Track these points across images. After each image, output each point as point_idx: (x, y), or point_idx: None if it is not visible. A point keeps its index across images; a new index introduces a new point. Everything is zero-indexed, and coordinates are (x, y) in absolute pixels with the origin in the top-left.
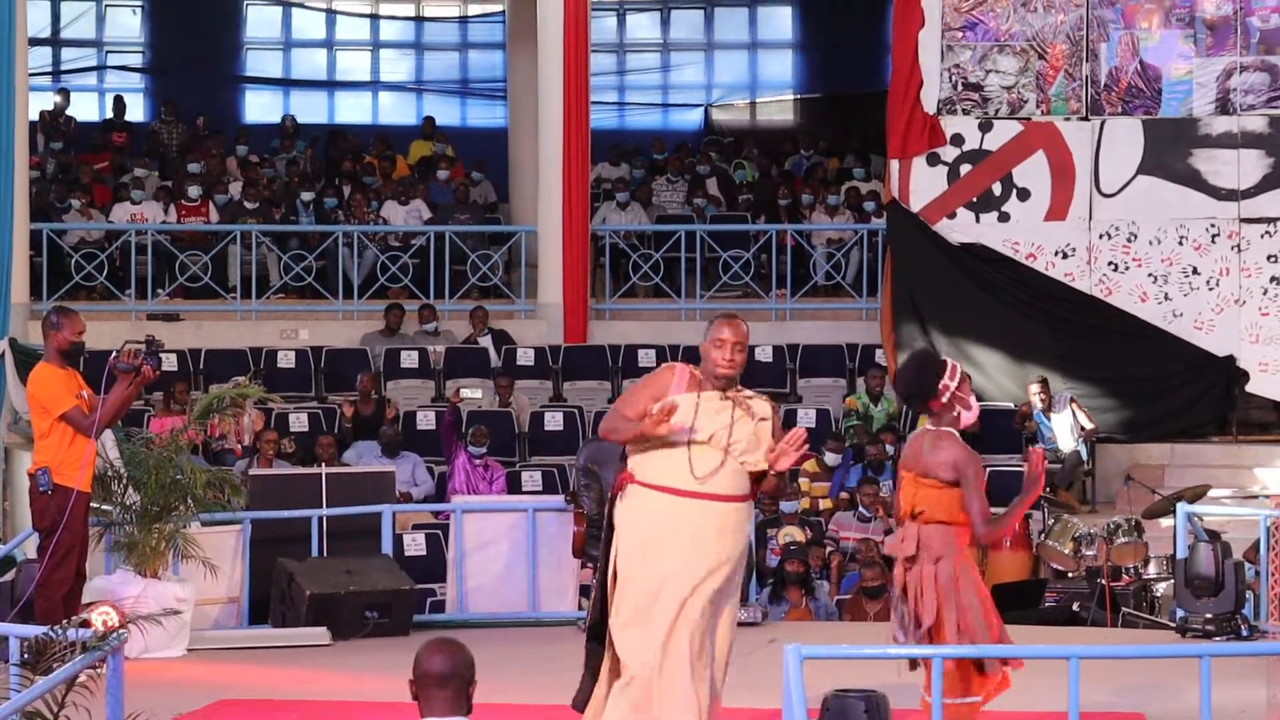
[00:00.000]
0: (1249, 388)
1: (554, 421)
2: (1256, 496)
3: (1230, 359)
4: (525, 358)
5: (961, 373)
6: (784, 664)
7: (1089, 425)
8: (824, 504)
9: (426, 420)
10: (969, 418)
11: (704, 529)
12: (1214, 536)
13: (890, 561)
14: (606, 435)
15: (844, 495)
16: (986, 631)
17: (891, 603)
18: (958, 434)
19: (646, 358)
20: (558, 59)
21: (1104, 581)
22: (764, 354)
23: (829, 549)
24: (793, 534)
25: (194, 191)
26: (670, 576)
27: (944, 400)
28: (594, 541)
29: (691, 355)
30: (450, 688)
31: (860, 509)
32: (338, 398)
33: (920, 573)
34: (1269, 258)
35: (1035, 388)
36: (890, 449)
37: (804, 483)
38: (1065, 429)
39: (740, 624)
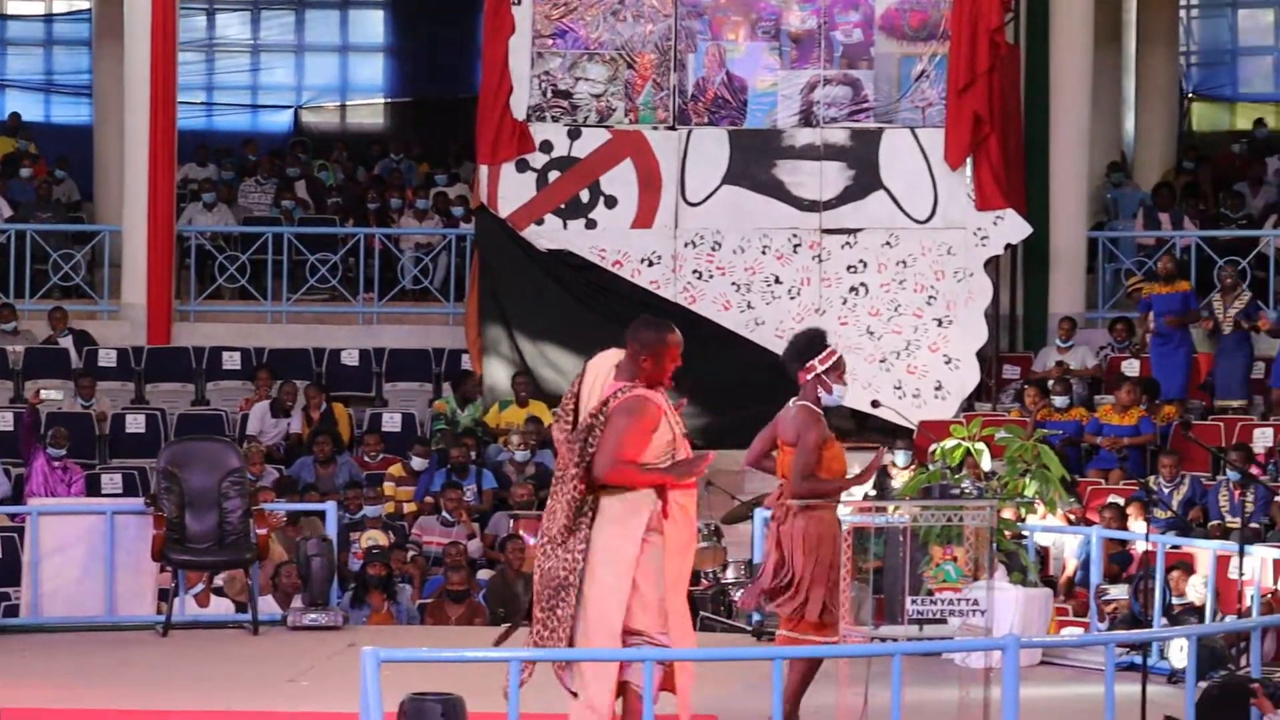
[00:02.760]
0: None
1: (136, 424)
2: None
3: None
4: (107, 359)
5: (837, 359)
6: (361, 667)
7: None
8: (408, 508)
9: (4, 421)
10: (828, 399)
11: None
12: None
13: (475, 564)
14: (625, 484)
15: (428, 499)
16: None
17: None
18: (814, 407)
19: (231, 360)
20: (144, 58)
21: None
22: (350, 358)
23: (412, 553)
24: (376, 538)
25: None
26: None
27: (808, 378)
28: (175, 545)
29: (280, 359)
30: None
31: (444, 513)
32: None
33: (791, 529)
34: (849, 268)
35: None
36: (474, 454)
37: (389, 487)
38: None
39: (321, 627)
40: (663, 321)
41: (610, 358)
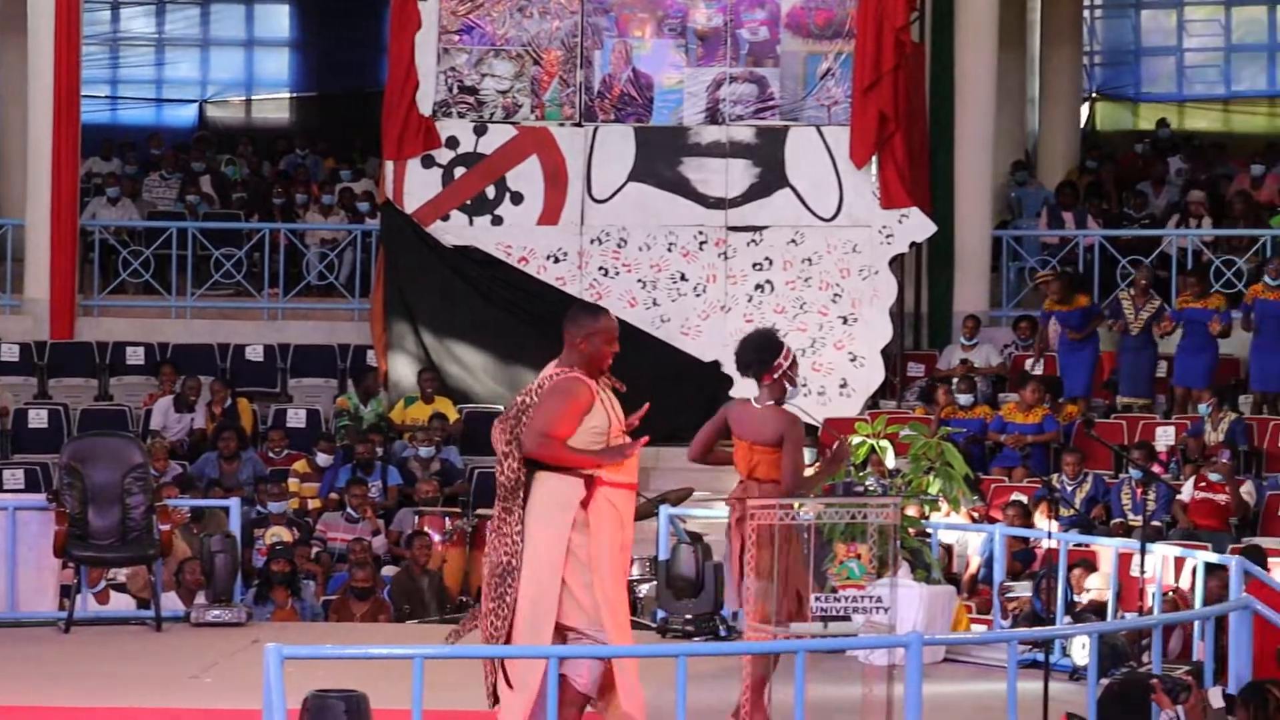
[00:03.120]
0: (733, 392)
1: (38, 419)
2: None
3: (716, 364)
4: (10, 354)
5: (794, 357)
6: (264, 664)
7: None
8: (313, 504)
9: None
10: (792, 393)
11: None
12: (695, 539)
13: (380, 561)
14: (551, 460)
15: (333, 496)
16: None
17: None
18: (786, 407)
19: (135, 355)
20: (48, 51)
21: None
22: (255, 354)
23: (316, 549)
24: (280, 534)
25: None
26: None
27: (775, 376)
28: (77, 542)
29: (184, 354)
30: None
31: (349, 510)
32: None
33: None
34: (754, 265)
35: None
36: (380, 450)
37: (293, 483)
38: None
39: (224, 624)
40: (597, 306)
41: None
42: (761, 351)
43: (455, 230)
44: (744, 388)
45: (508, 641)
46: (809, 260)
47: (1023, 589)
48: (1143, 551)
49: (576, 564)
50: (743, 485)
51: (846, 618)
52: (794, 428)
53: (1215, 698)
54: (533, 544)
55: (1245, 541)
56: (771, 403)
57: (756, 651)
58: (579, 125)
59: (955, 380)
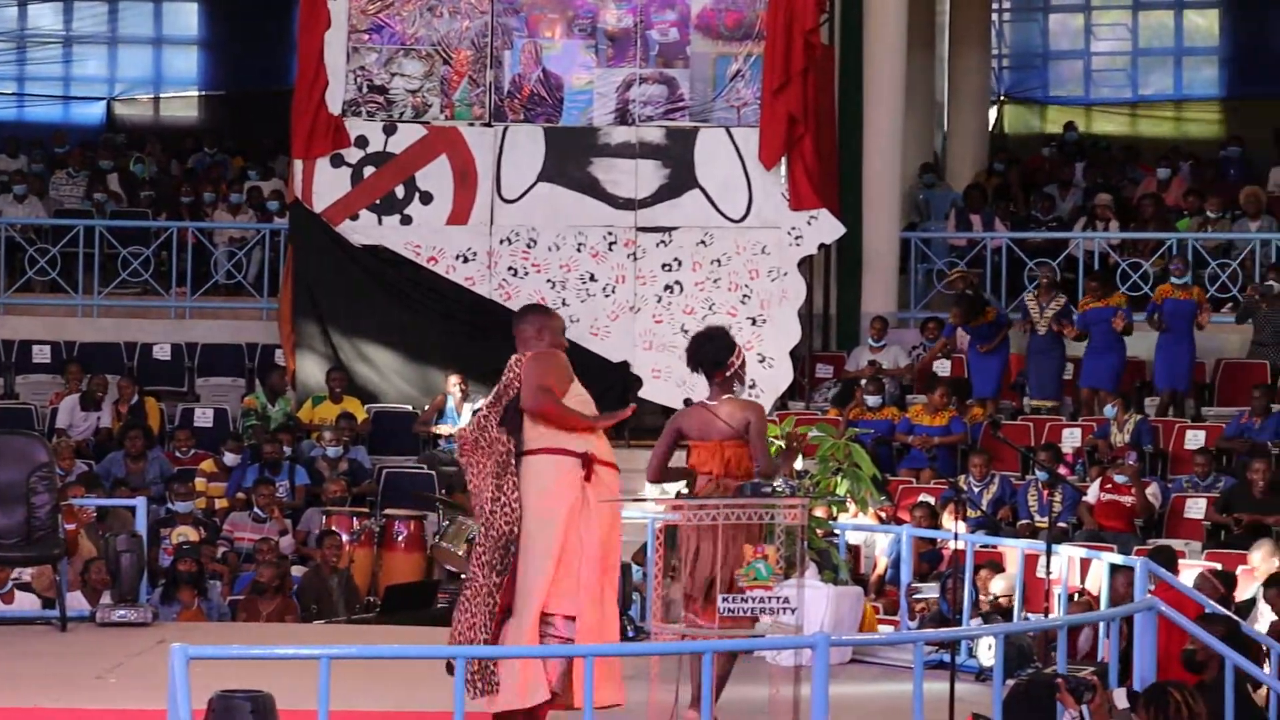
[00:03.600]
0: (642, 393)
1: None
2: (646, 499)
3: (625, 365)
4: None
5: (743, 355)
6: (170, 664)
7: None
8: (220, 503)
9: None
10: (739, 390)
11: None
12: None
13: (288, 561)
14: (552, 414)
15: (240, 495)
16: None
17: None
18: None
19: (41, 354)
20: None
21: None
22: (162, 352)
23: (223, 549)
24: (186, 533)
25: None
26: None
27: (727, 374)
28: None
29: (91, 353)
30: None
31: (256, 509)
32: None
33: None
34: (663, 266)
35: (455, 379)
36: (288, 449)
37: (200, 482)
38: None
39: (130, 624)
40: (547, 306)
41: None
42: (716, 350)
43: (364, 230)
44: (654, 390)
45: (501, 609)
46: (718, 261)
47: (930, 590)
48: (1048, 553)
49: (569, 547)
50: (716, 483)
51: (754, 618)
52: (761, 413)
53: (1120, 698)
54: (534, 518)
55: (1153, 544)
56: (727, 397)
57: (667, 653)
58: (489, 125)
59: (863, 381)
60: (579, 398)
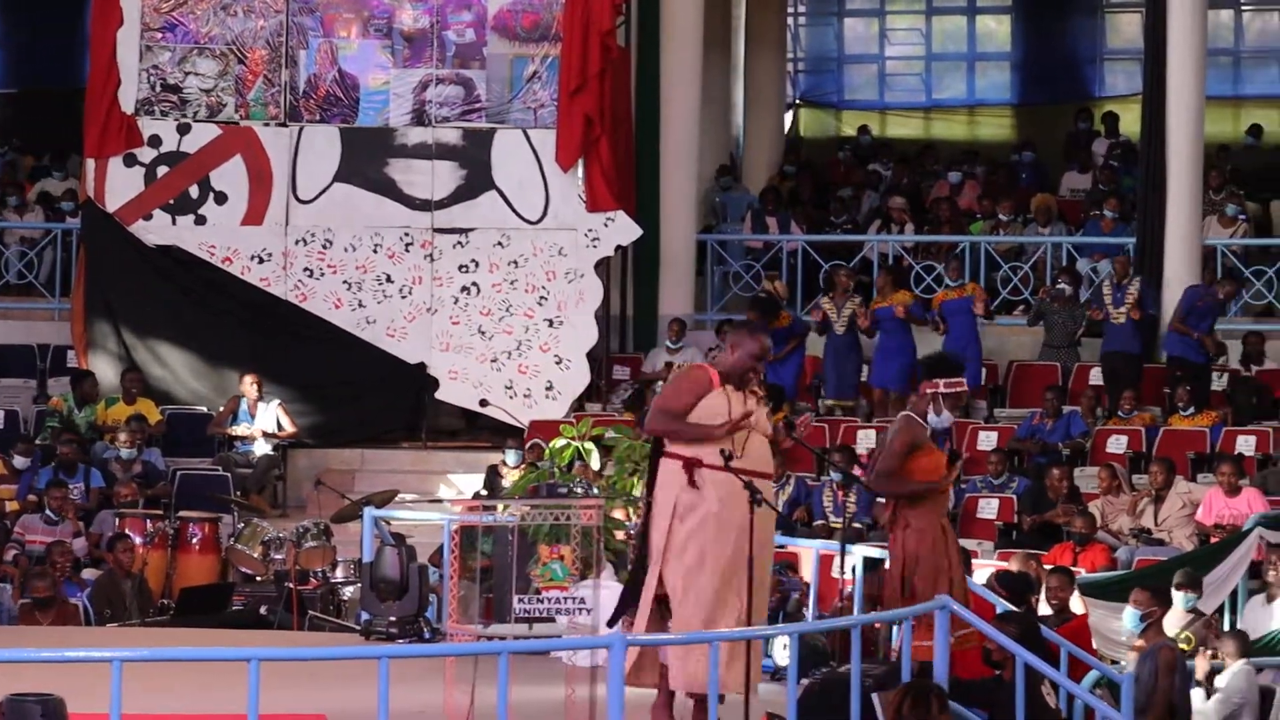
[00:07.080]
0: (439, 395)
1: None
2: (442, 501)
3: (421, 366)
4: None
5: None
6: None
7: (291, 429)
8: (10, 506)
9: None
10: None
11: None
12: (400, 540)
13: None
14: (661, 430)
15: (32, 498)
16: None
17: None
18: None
19: None
20: None
21: (291, 585)
22: None
23: (14, 552)
24: None
25: None
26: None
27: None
28: None
29: None
30: None
31: (49, 511)
32: None
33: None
34: (460, 267)
35: (250, 379)
36: (82, 451)
37: None
38: (271, 425)
39: None
40: (761, 327)
41: None
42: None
43: (158, 230)
44: (450, 391)
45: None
46: (515, 263)
47: None
48: (843, 553)
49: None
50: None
51: (550, 619)
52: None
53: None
54: (654, 527)
55: None
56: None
57: (462, 654)
58: (284, 125)
59: (659, 383)
60: (708, 412)
